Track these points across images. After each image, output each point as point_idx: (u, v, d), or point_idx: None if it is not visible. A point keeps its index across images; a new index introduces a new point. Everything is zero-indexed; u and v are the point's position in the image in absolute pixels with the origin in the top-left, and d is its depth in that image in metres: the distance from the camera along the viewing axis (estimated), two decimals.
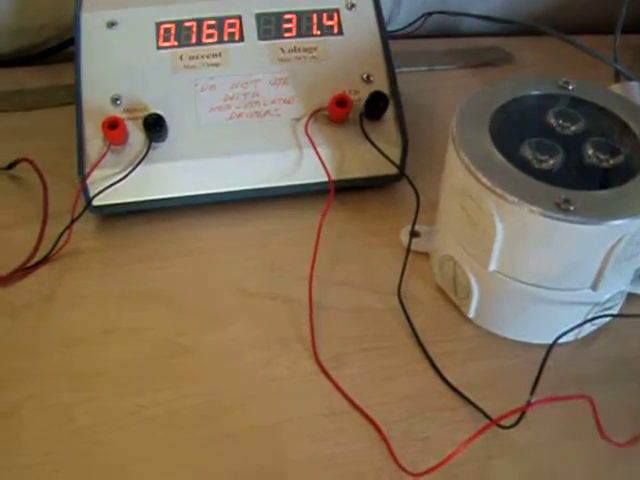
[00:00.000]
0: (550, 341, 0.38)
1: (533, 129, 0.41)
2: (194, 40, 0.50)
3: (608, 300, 0.40)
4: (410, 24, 0.69)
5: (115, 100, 0.47)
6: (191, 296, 0.44)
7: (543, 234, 0.36)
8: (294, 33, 0.51)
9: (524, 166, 0.38)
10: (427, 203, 0.47)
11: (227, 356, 0.41)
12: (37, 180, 0.48)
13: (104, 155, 0.45)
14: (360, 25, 0.52)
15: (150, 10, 0.50)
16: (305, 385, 0.40)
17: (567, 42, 0.59)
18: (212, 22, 0.50)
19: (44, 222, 0.47)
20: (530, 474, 0.36)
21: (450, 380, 0.40)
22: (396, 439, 0.37)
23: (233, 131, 0.48)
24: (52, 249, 0.45)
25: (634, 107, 0.43)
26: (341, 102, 0.48)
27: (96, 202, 0.47)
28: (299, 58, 0.50)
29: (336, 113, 0.48)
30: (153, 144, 0.46)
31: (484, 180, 0.37)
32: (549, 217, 0.35)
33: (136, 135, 0.46)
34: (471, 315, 0.43)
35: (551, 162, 0.39)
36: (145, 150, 0.46)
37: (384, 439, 0.37)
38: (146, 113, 0.46)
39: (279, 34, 0.51)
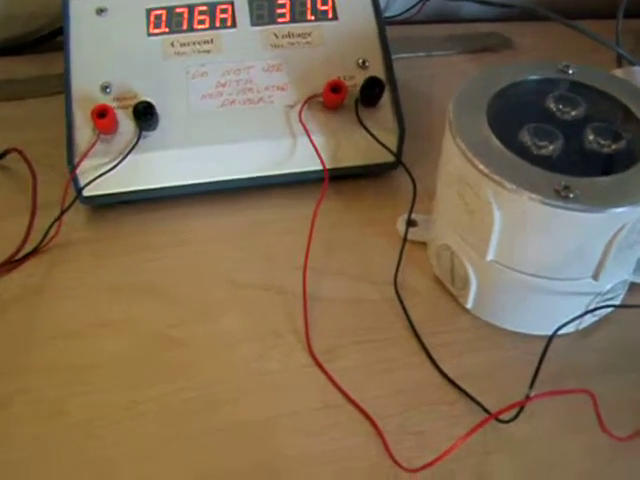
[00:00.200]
0: (550, 332, 0.37)
1: (532, 114, 0.40)
2: (185, 26, 0.49)
3: (610, 290, 0.39)
4: (408, 9, 0.68)
5: (105, 88, 0.46)
6: (183, 288, 0.44)
7: (542, 222, 0.35)
8: (288, 18, 0.50)
9: (523, 152, 0.37)
10: (424, 191, 0.46)
11: (220, 349, 0.40)
12: (26, 171, 0.47)
13: (94, 144, 0.45)
14: (355, 9, 0.51)
15: None
16: (299, 378, 0.39)
17: (568, 26, 0.59)
18: (204, 8, 0.49)
19: (33, 213, 0.46)
20: (529, 469, 0.36)
21: (447, 372, 0.39)
22: (391, 433, 0.36)
23: (225, 119, 0.47)
24: (42, 241, 0.45)
25: (637, 91, 0.42)
26: (336, 88, 0.47)
27: (86, 192, 0.46)
28: (293, 44, 0.49)
29: (331, 99, 0.47)
30: (144, 133, 0.45)
31: (481, 167, 0.36)
32: (548, 205, 0.34)
33: (126, 124, 0.46)
34: (469, 306, 0.42)
35: (551, 148, 0.38)
36: (135, 139, 0.45)
37: (379, 433, 0.36)
38: (136, 101, 0.45)
39: (272, 19, 0.50)
